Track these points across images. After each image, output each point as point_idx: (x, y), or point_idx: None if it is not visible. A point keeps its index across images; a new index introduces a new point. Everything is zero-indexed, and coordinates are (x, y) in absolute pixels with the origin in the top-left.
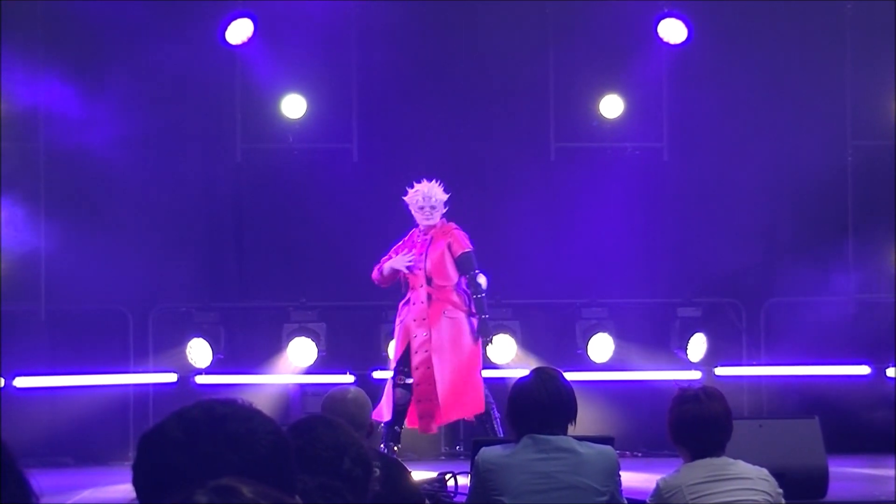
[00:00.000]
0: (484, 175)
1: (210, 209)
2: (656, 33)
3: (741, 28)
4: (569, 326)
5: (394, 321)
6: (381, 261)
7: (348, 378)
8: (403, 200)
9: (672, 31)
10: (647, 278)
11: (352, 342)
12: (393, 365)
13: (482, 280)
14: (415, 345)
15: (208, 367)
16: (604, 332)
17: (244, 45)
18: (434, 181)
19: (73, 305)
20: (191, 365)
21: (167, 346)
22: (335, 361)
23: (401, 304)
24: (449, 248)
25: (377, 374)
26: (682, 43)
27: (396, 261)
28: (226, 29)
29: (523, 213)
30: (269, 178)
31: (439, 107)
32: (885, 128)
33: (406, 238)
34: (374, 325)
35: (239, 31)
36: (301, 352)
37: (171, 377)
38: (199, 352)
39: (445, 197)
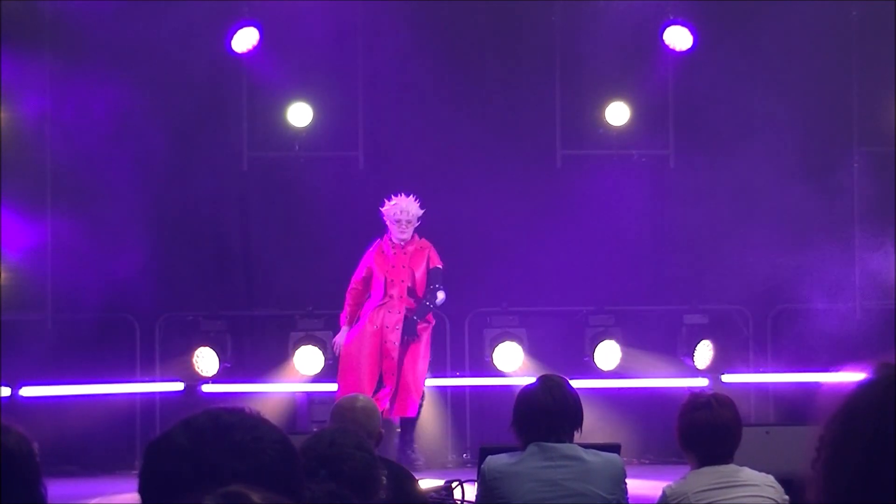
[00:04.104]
0: (490, 182)
1: (216, 217)
2: (662, 40)
3: (747, 34)
4: (575, 334)
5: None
6: (354, 280)
7: None
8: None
9: (678, 37)
10: (653, 285)
11: None
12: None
13: (441, 295)
14: (388, 347)
15: (215, 375)
16: (610, 339)
17: (250, 52)
18: (410, 196)
19: (80, 314)
20: (198, 373)
21: (174, 355)
22: None
23: (369, 305)
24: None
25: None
26: (688, 49)
27: (342, 335)
28: (232, 37)
29: (529, 221)
30: (275, 186)
31: (445, 114)
32: (892, 134)
33: (374, 250)
34: None
35: (244, 39)
36: (308, 360)
37: (178, 386)
38: (205, 360)
39: (420, 213)
